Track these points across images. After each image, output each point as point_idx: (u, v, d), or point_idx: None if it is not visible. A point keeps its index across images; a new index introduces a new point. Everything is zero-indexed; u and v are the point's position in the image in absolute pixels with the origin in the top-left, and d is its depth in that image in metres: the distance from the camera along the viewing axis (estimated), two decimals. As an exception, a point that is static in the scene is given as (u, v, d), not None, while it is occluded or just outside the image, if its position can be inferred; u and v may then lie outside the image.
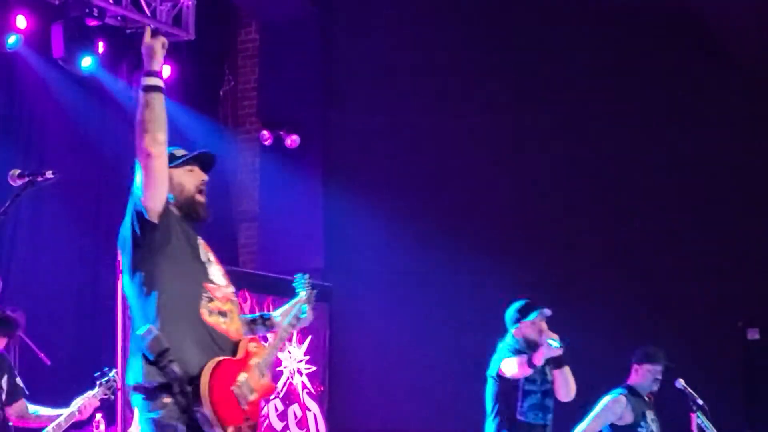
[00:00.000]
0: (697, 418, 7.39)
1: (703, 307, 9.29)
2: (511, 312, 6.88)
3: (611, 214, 9.82)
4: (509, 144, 10.21)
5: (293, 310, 4.91)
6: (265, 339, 5.06)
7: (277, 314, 4.93)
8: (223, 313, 4.46)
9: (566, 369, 6.65)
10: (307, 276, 5.06)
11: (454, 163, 10.38)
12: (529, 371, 6.53)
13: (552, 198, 10.04)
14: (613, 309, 9.48)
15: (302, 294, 4.97)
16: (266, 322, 4.88)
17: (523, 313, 6.82)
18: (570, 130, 9.95)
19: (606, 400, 7.37)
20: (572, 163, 10.04)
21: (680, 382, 7.49)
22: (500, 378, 6.71)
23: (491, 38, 10.21)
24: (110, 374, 7.32)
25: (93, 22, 9.02)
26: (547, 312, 6.72)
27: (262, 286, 9.17)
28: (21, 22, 8.73)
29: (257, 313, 4.99)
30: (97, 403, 7.05)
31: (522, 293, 9.69)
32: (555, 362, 6.60)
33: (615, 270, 9.63)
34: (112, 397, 7.32)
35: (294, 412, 9.09)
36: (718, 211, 9.49)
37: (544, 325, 6.67)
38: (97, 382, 7.34)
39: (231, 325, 4.49)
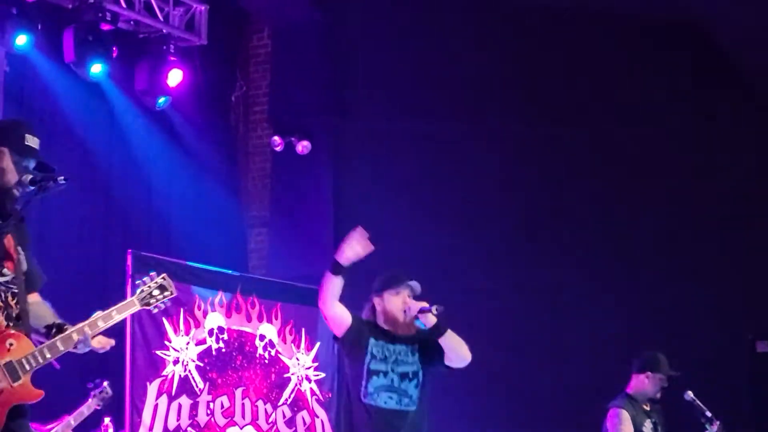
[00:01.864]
0: (706, 431, 7.36)
1: (713, 320, 9.26)
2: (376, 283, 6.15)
3: (621, 224, 9.80)
4: (520, 150, 10.20)
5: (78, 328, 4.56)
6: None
7: (74, 328, 4.58)
8: None
9: (449, 333, 5.89)
10: (153, 279, 4.68)
11: (465, 168, 10.37)
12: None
13: (562, 203, 10.03)
14: (622, 320, 9.45)
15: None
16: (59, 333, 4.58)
17: (387, 283, 6.09)
18: (577, 137, 9.94)
19: (617, 425, 7.30)
20: (580, 170, 10.03)
21: (689, 395, 7.46)
22: (342, 348, 6.02)
23: (503, 44, 10.20)
24: (104, 385, 7.47)
25: (106, 27, 9.03)
26: (416, 286, 6.05)
27: (271, 292, 9.15)
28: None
29: (56, 322, 4.70)
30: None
31: (527, 299, 9.76)
32: (435, 331, 5.88)
33: (624, 280, 9.61)
34: (99, 407, 7.47)
35: (303, 418, 9.07)
36: (729, 223, 9.46)
37: (411, 301, 5.96)
38: (91, 393, 7.45)
39: None
